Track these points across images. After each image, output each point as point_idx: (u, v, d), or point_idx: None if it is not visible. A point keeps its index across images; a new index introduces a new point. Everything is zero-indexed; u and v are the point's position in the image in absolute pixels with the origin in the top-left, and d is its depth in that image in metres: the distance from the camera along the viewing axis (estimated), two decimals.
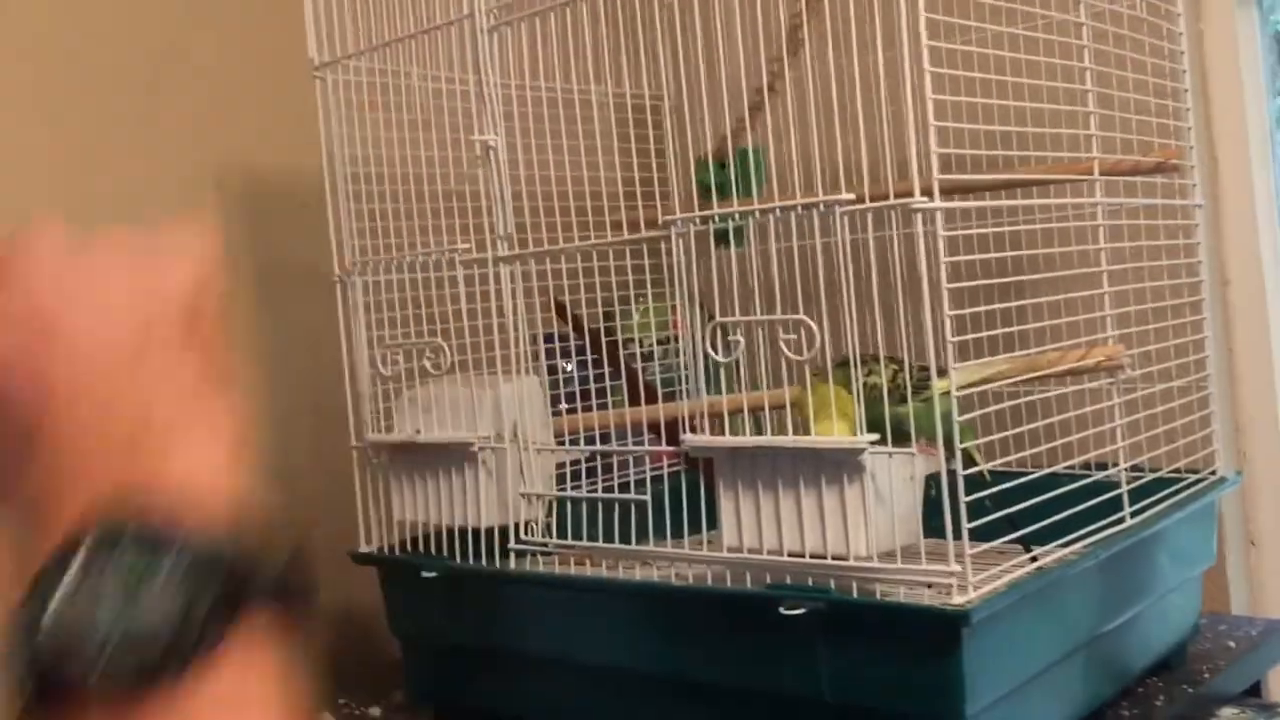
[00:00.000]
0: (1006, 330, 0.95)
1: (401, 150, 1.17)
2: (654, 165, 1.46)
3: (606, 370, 1.40)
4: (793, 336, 0.91)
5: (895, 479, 0.90)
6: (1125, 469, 1.04)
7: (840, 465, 0.89)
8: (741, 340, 0.93)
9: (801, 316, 0.90)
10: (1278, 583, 1.52)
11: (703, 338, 0.95)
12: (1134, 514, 1.03)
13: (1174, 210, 1.21)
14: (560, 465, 1.18)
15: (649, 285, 1.40)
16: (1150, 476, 1.07)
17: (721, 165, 1.37)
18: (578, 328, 1.38)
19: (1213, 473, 1.19)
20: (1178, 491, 1.11)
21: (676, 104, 1.45)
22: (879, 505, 0.89)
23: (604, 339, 1.39)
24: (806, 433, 0.92)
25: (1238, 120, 1.52)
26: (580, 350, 1.39)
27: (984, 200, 0.95)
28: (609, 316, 1.45)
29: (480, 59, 1.07)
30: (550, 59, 1.26)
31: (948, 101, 0.87)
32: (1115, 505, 1.02)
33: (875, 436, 0.89)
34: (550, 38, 1.10)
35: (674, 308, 1.50)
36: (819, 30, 0.96)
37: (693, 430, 0.98)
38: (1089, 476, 1.01)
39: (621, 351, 1.42)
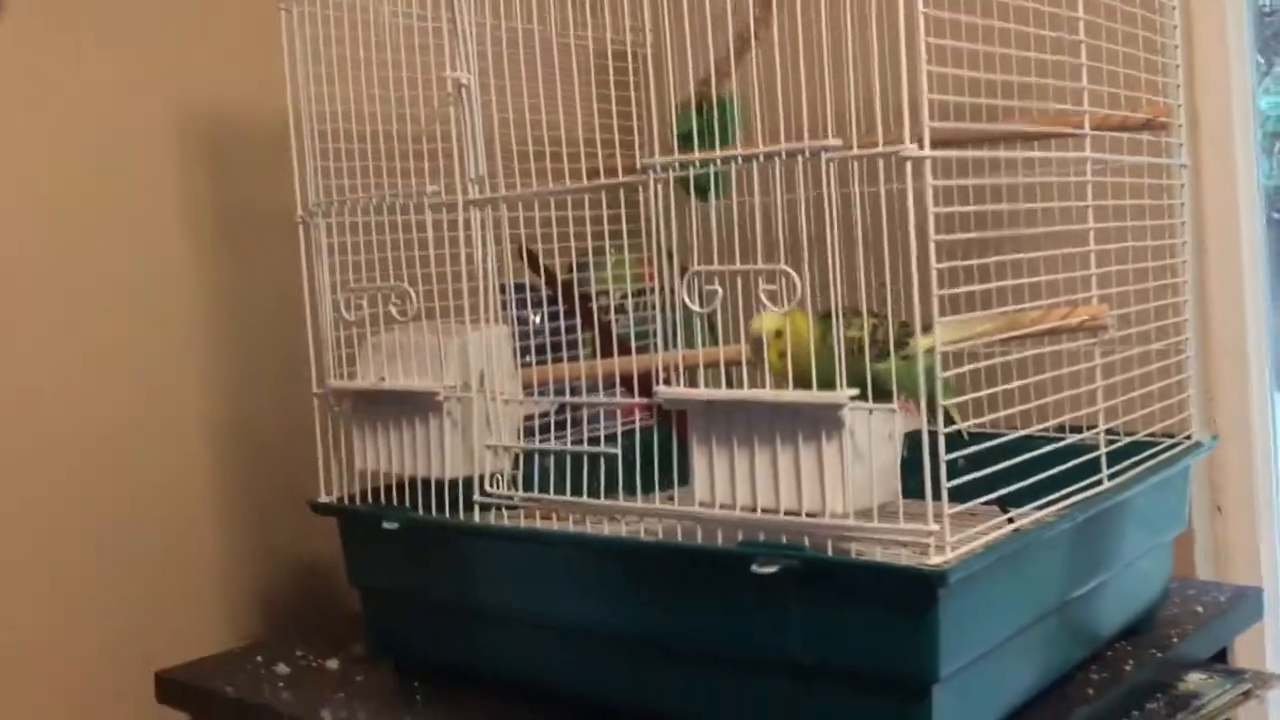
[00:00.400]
0: (986, 287, 0.92)
1: (369, 88, 1.13)
2: (633, 114, 1.42)
3: (576, 321, 1.37)
4: (773, 287, 0.88)
5: (874, 436, 0.88)
6: (1103, 432, 1.02)
7: (818, 421, 0.87)
8: (720, 290, 0.91)
9: (782, 266, 0.87)
10: (1243, 549, 1.52)
11: (678, 288, 0.92)
12: (1110, 477, 1.02)
13: (1158, 170, 1.19)
14: (528, 418, 1.16)
15: (624, 235, 1.37)
16: (1127, 440, 1.06)
17: (699, 113, 1.34)
18: (548, 277, 1.34)
19: (1188, 437, 1.18)
20: (1154, 455, 1.10)
21: (655, 49, 1.40)
22: (857, 462, 0.87)
23: (575, 290, 1.36)
24: (784, 386, 0.90)
25: (1221, 83, 1.49)
26: (550, 301, 1.35)
27: (978, 151, 0.92)
28: (580, 267, 1.42)
29: None
30: None
31: (934, 45, 0.84)
32: (1092, 468, 1.01)
33: (855, 391, 0.86)
34: None
35: (647, 259, 1.47)
36: None
37: (666, 383, 0.95)
38: (1066, 438, 1.00)
39: (593, 303, 1.39)
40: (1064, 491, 0.96)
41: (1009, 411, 0.96)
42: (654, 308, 1.36)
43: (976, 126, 0.91)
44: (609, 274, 1.48)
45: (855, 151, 0.85)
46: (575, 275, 1.39)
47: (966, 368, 0.91)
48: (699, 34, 1.06)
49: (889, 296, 0.86)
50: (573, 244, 1.29)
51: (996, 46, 0.93)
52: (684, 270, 1.53)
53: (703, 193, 1.07)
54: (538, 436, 1.16)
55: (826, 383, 0.87)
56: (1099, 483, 1.01)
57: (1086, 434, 1.02)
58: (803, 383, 0.88)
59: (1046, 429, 1.00)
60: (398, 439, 1.12)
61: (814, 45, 0.87)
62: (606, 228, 1.33)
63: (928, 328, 0.85)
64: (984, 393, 0.93)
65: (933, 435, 0.83)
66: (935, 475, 0.83)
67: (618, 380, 1.21)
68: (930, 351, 0.84)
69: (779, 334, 0.92)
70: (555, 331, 1.34)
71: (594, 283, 1.43)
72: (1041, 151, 1.01)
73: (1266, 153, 1.64)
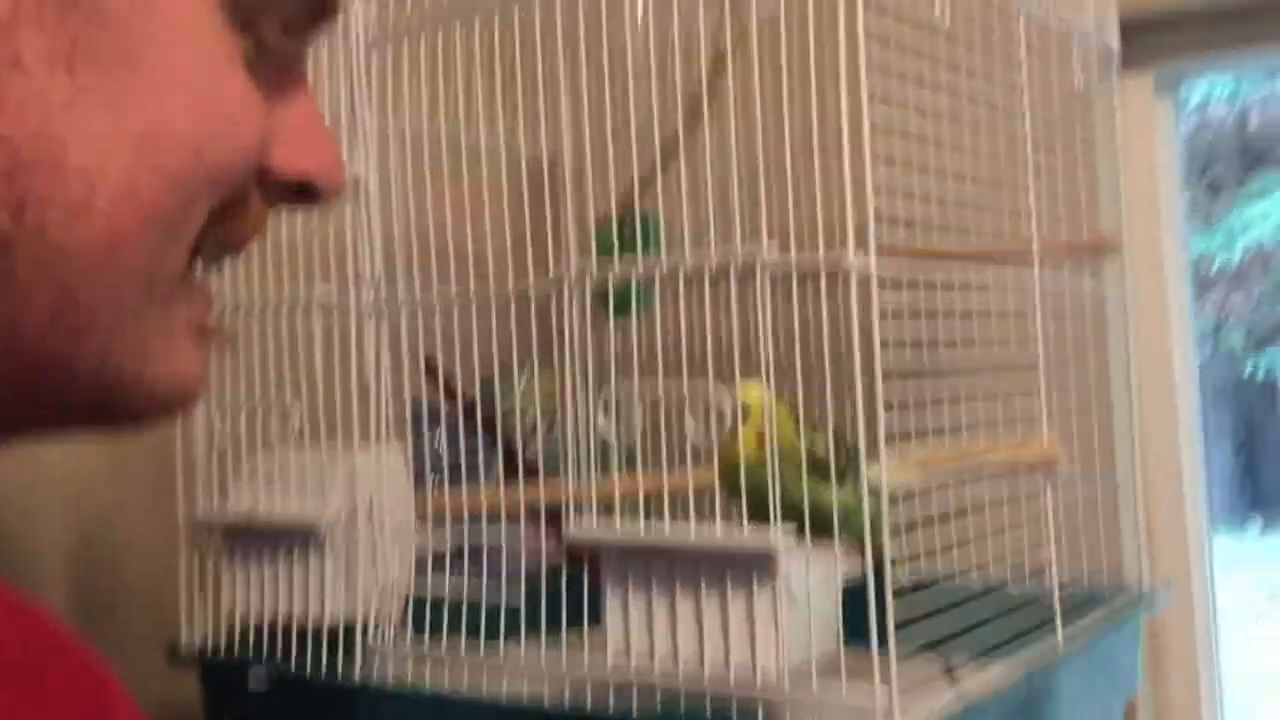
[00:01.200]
0: (917, 414, 0.83)
1: None
2: (550, 225, 1.33)
3: (481, 444, 1.25)
4: (702, 410, 0.78)
5: (813, 580, 0.78)
6: (1056, 585, 0.92)
7: (750, 566, 0.76)
8: (639, 413, 0.80)
9: (715, 387, 0.77)
10: (1183, 706, 1.43)
11: (593, 409, 0.82)
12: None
13: (1098, 300, 1.13)
14: (422, 549, 1.03)
15: (529, 352, 1.27)
16: (1084, 592, 0.96)
17: (621, 226, 1.25)
18: (450, 393, 1.23)
19: (1140, 588, 1.09)
20: (1105, 607, 1.01)
21: (575, 160, 1.33)
22: (793, 612, 0.76)
23: (481, 409, 1.25)
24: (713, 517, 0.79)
25: (1151, 215, 1.46)
26: (453, 420, 1.24)
27: (928, 265, 0.84)
28: (486, 385, 1.31)
29: (354, 78, 0.93)
30: (436, 94, 1.13)
31: (881, 150, 0.77)
32: (1041, 614, 0.91)
33: (791, 531, 0.76)
34: (438, 66, 0.96)
35: (559, 377, 1.37)
36: (743, 83, 0.85)
37: (577, 517, 0.84)
38: (1009, 584, 0.90)
39: (499, 424, 1.28)
40: (1012, 644, 0.86)
41: (953, 553, 0.87)
42: (565, 432, 1.25)
43: (927, 250, 0.84)
44: (521, 394, 1.37)
45: (792, 261, 0.76)
46: (481, 393, 1.28)
47: (917, 507, 0.81)
48: (622, 144, 0.98)
49: (829, 419, 0.76)
50: (480, 360, 1.18)
51: (948, 156, 0.86)
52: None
53: (621, 309, 0.98)
54: (430, 574, 1.03)
55: (760, 505, 0.77)
56: (1051, 632, 0.91)
57: (1043, 591, 0.92)
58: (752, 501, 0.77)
59: (988, 573, 0.91)
60: (273, 576, 0.99)
61: (739, 150, 0.80)
62: (516, 343, 1.23)
63: (873, 457, 0.75)
64: (921, 532, 0.84)
65: (880, 586, 0.74)
66: (883, 634, 0.72)
67: (524, 511, 1.09)
68: (876, 492, 0.75)
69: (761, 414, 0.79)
70: (456, 454, 1.23)
71: (502, 402, 1.32)
72: (994, 272, 0.94)
73: None
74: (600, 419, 0.81)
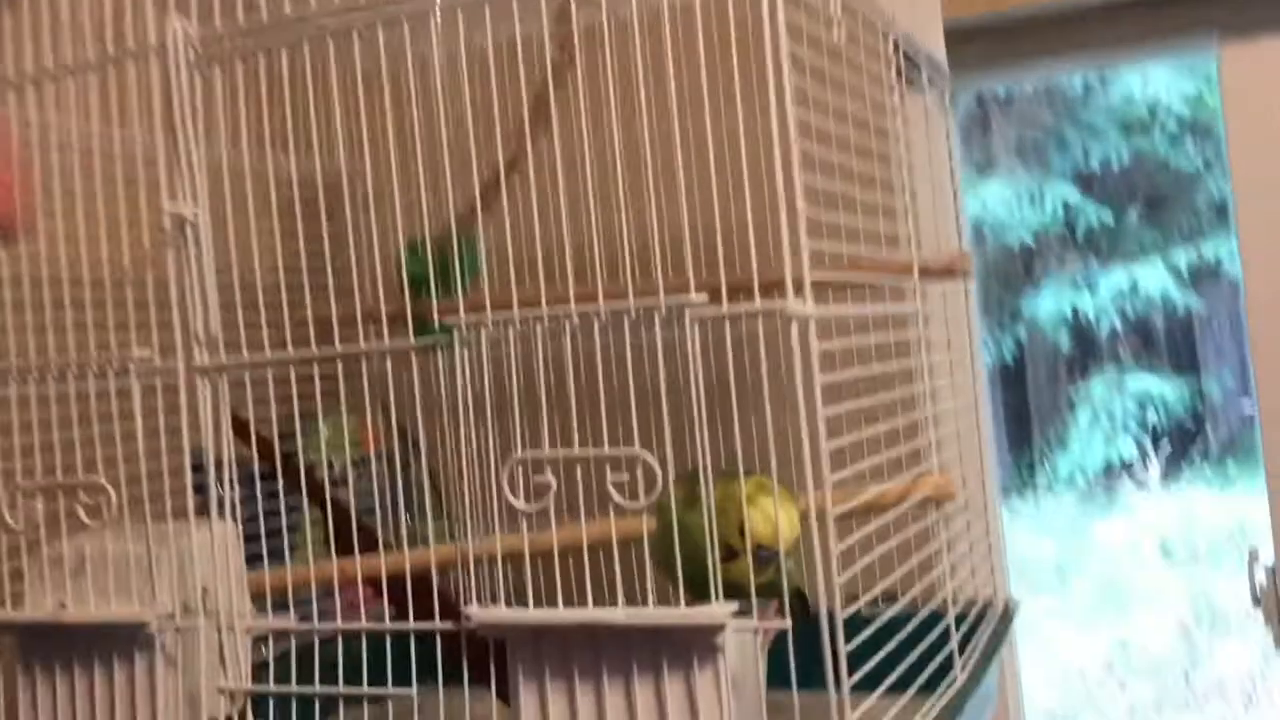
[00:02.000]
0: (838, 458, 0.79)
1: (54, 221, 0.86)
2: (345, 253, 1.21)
3: (287, 502, 1.11)
4: (623, 477, 0.70)
5: (748, 658, 0.71)
6: (953, 621, 0.90)
7: (689, 647, 0.69)
8: (553, 481, 0.72)
9: (639, 451, 0.70)
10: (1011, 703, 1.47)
11: (498, 474, 0.73)
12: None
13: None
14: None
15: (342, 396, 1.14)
16: (973, 615, 0.95)
17: (440, 252, 1.15)
18: (264, 450, 1.09)
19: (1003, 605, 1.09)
20: (978, 627, 1.00)
21: (380, 179, 1.21)
22: (736, 697, 0.70)
23: (294, 463, 1.11)
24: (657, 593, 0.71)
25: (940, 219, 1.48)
26: (258, 479, 1.10)
27: (861, 306, 0.80)
28: (287, 436, 1.17)
29: (176, 102, 0.79)
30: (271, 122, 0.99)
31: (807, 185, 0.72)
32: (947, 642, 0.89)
33: (735, 606, 0.69)
34: (274, 91, 0.82)
35: (369, 420, 1.25)
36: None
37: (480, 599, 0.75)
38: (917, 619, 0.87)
39: (313, 476, 1.15)
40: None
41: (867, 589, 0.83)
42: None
43: (854, 275, 0.79)
44: (327, 440, 1.25)
45: (726, 309, 0.70)
46: (286, 443, 1.14)
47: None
48: (439, 164, 0.89)
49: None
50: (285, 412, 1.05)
51: (842, 184, 0.82)
52: (404, 435, 1.32)
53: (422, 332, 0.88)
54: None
55: (694, 576, 0.71)
56: (950, 665, 0.89)
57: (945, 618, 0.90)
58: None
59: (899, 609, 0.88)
60: (86, 691, 0.83)
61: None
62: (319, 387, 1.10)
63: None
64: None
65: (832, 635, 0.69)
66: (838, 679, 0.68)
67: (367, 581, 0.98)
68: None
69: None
70: (270, 516, 1.09)
71: (307, 452, 1.19)
72: (911, 305, 0.91)
73: None
74: (507, 488, 0.72)
